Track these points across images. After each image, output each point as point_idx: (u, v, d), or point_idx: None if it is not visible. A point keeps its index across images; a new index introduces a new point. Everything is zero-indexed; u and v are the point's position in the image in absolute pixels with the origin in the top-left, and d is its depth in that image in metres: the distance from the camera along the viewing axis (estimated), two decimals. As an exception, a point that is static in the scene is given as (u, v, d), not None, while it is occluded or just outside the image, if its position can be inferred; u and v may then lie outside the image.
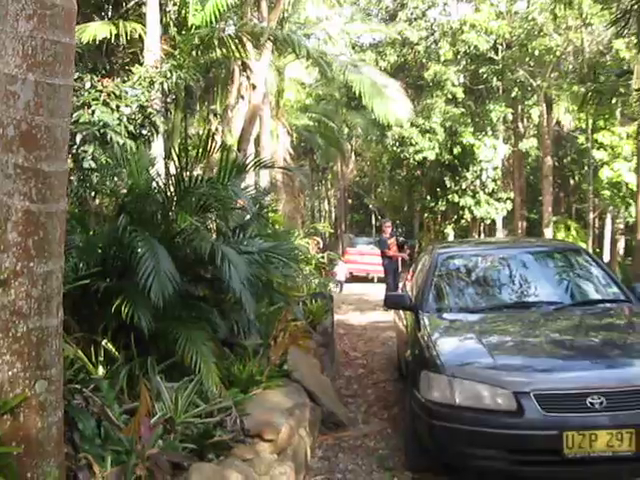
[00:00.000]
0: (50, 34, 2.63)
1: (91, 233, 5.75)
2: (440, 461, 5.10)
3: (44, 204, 2.71)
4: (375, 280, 24.09)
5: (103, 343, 4.99)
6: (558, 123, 29.42)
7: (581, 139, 28.38)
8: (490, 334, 5.61)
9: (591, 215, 25.72)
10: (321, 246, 19.09)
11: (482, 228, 34.36)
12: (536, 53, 24.92)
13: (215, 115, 17.72)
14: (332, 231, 35.19)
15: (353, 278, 24.85)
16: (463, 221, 32.15)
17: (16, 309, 2.74)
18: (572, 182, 35.33)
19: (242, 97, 15.66)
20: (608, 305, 6.28)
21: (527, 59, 26.42)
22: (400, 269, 16.42)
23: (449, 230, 32.35)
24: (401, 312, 7.59)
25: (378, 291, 18.35)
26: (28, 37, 2.61)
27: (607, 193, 24.70)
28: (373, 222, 46.40)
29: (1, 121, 2.66)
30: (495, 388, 4.59)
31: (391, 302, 7.03)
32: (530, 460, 4.53)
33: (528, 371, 4.89)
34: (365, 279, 24.63)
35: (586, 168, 27.23)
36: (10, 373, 2.76)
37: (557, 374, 4.78)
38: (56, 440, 2.90)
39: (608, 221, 28.66)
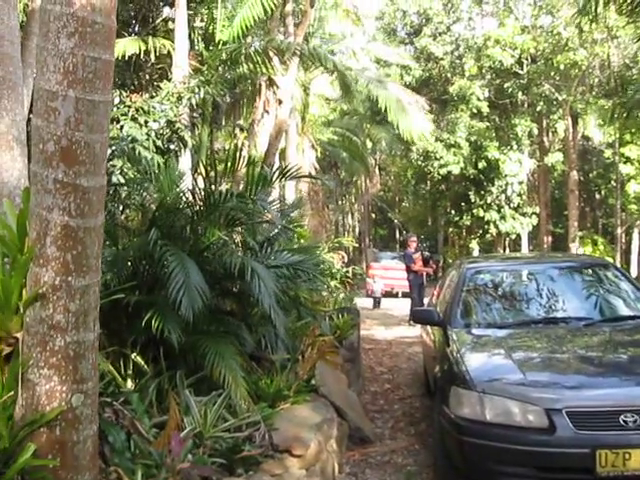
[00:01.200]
0: (91, 51, 2.66)
1: (120, 247, 5.79)
2: (470, 478, 5.04)
3: (83, 219, 2.74)
4: (400, 295, 23.98)
5: (132, 357, 5.00)
6: (584, 137, 29.19)
7: (607, 153, 28.16)
8: (520, 350, 5.55)
9: (619, 230, 25.43)
10: (346, 260, 19.06)
11: (507, 243, 34.14)
12: (561, 67, 24.79)
13: (241, 130, 17.82)
14: (356, 245, 35.12)
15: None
16: (488, 236, 31.96)
17: (54, 323, 2.76)
18: (598, 196, 35.00)
19: (267, 112, 15.72)
20: (639, 321, 6.19)
21: (552, 73, 26.30)
22: (425, 284, 16.33)
23: (474, 245, 32.21)
24: (428, 327, 7.54)
25: (403, 306, 18.28)
26: (69, 54, 2.65)
27: (634, 207, 24.45)
28: (397, 237, 46.29)
29: (41, 137, 2.70)
30: (526, 405, 4.54)
31: (419, 317, 7.01)
32: (561, 478, 4.47)
33: (559, 388, 4.81)
34: (389, 294, 24.51)
35: (612, 182, 26.99)
36: (47, 386, 2.78)
37: (589, 391, 4.72)
38: (91, 454, 2.92)
39: (635, 235, 28.31)
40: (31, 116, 5.25)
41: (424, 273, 16.12)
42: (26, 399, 2.82)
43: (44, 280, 2.75)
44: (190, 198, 6.12)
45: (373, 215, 47.54)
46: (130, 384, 4.81)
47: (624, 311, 6.53)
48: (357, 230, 46.78)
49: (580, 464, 4.33)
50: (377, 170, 41.65)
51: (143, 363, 5.03)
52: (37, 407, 2.79)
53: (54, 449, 2.81)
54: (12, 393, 2.91)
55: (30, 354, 2.80)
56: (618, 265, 18.27)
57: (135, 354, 5.04)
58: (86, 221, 2.75)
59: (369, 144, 32.82)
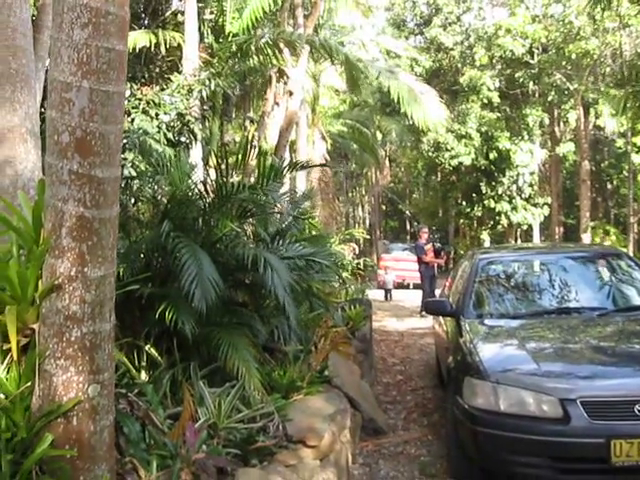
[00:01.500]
0: (104, 42, 2.66)
1: (133, 240, 5.80)
2: (484, 468, 5.04)
3: (98, 210, 2.74)
4: (411, 286, 23.97)
5: (146, 348, 5.02)
6: (596, 127, 29.02)
7: (619, 143, 27.98)
8: (533, 340, 5.54)
9: (631, 219, 25.29)
10: (357, 252, 19.06)
11: (518, 234, 34.03)
12: (573, 56, 24.63)
13: (252, 122, 17.82)
14: (367, 237, 35.10)
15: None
16: (499, 227, 31.88)
17: (70, 314, 2.77)
18: (610, 187, 34.82)
19: (277, 104, 15.71)
20: (654, 311, 6.16)
21: (564, 63, 26.13)
22: (436, 275, 16.31)
23: (485, 236, 32.12)
24: (441, 318, 7.53)
25: (414, 297, 18.27)
26: (83, 45, 2.65)
27: (646, 197, 24.32)
28: (408, 228, 46.24)
29: (56, 128, 2.70)
30: (540, 395, 4.53)
31: (431, 308, 6.99)
32: (576, 468, 4.45)
33: (574, 378, 4.79)
34: (401, 285, 24.50)
35: (624, 172, 26.82)
36: (64, 377, 2.79)
37: (604, 381, 4.71)
38: (108, 444, 2.93)
39: (648, 226, 28.19)
40: (43, 109, 5.27)
41: (435, 264, 16.11)
42: (43, 390, 2.83)
43: (60, 271, 2.75)
44: (202, 190, 6.13)
45: (383, 207, 47.49)
46: (144, 376, 4.82)
47: (638, 301, 6.51)
48: (367, 222, 46.73)
49: (595, 454, 4.32)
50: (387, 162, 41.60)
51: (157, 355, 5.04)
52: (54, 398, 2.80)
53: (71, 439, 2.82)
54: (29, 384, 2.92)
55: (46, 345, 2.81)
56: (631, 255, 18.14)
57: (149, 346, 5.05)
58: (101, 212, 2.75)
59: (379, 136, 32.77)
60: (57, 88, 2.70)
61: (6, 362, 3.12)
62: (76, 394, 2.80)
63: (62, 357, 2.78)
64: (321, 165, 13.33)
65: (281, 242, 6.56)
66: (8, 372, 3.06)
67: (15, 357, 3.00)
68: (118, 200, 2.89)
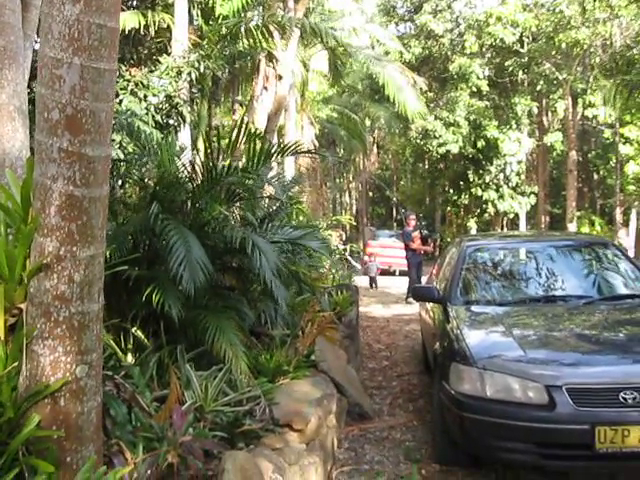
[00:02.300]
0: (96, 18, 2.61)
1: (120, 221, 5.76)
2: (469, 454, 5.08)
3: (87, 189, 2.70)
4: (397, 273, 24.02)
5: (132, 331, 5.00)
6: (584, 117, 29.10)
7: (607, 133, 28.10)
8: (520, 327, 5.56)
9: (618, 210, 25.44)
10: (343, 239, 19.07)
11: (505, 222, 34.18)
12: (563, 46, 24.64)
13: (241, 105, 17.73)
14: (354, 224, 35.13)
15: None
16: (486, 215, 32.00)
17: (58, 294, 2.73)
18: (596, 177, 34.99)
19: (266, 88, 15.61)
20: (638, 300, 6.20)
21: (553, 52, 26.15)
22: (423, 262, 16.36)
23: (472, 224, 32.24)
24: (428, 305, 7.56)
25: (400, 284, 18.33)
26: (74, 21, 2.60)
27: (632, 188, 24.44)
28: (394, 215, 46.29)
29: (46, 105, 2.66)
30: (526, 381, 4.56)
31: (419, 294, 7.00)
32: (561, 454, 4.48)
33: (560, 365, 4.82)
34: (387, 272, 24.56)
35: (611, 163, 26.94)
36: (51, 357, 2.76)
37: (589, 368, 4.75)
38: (95, 425, 2.90)
39: (633, 216, 28.32)
40: (29, 88, 5.21)
41: (422, 251, 16.15)
42: (30, 370, 2.80)
43: (48, 250, 2.72)
44: (191, 173, 6.09)
45: (370, 193, 47.47)
46: (130, 358, 4.80)
47: (623, 290, 6.57)
48: (354, 208, 46.75)
49: (579, 440, 4.36)
50: (375, 148, 41.59)
51: (143, 337, 5.03)
52: (41, 378, 2.77)
53: (58, 420, 2.79)
54: (16, 364, 2.89)
55: (34, 325, 2.78)
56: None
57: (135, 328, 5.03)
58: (91, 191, 2.71)
59: (367, 122, 32.71)
60: (47, 64, 2.65)
61: (-7, 342, 3.09)
62: (64, 375, 2.77)
63: (50, 337, 2.75)
64: (310, 152, 13.27)
65: (270, 226, 6.54)
66: (-5, 352, 3.03)
67: (2, 337, 2.96)
68: (108, 179, 2.86)
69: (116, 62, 2.78)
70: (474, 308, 6.18)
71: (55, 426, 2.79)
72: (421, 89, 19.17)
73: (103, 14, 2.63)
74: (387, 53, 25.56)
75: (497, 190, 29.72)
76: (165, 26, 12.50)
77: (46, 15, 2.64)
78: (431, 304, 7.19)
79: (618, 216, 25.86)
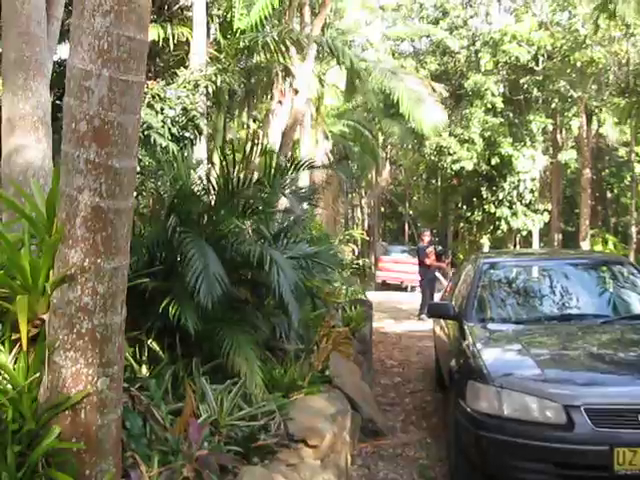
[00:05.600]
0: (126, 30, 2.63)
1: (137, 233, 5.76)
2: (485, 473, 5.02)
3: (113, 200, 2.71)
4: (409, 289, 23.95)
5: (148, 343, 4.98)
6: (598, 135, 29.02)
7: (621, 152, 28.00)
8: (537, 346, 5.52)
9: (633, 229, 25.29)
10: (356, 253, 19.06)
11: (518, 239, 34.04)
12: (578, 64, 24.61)
13: (254, 120, 17.80)
14: (366, 239, 35.06)
15: (387, 286, 24.75)
16: (499, 232, 31.87)
17: (82, 305, 2.74)
18: (610, 195, 34.84)
19: (280, 102, 15.67)
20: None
21: (568, 70, 26.13)
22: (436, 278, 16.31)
23: (484, 240, 32.11)
24: (442, 321, 7.51)
25: (412, 299, 18.26)
26: (104, 33, 2.61)
27: (647, 206, 24.33)
28: (406, 230, 46.18)
29: (74, 116, 2.67)
30: (544, 401, 4.51)
31: (435, 311, 6.97)
32: (578, 475, 4.43)
33: (578, 384, 4.77)
34: (399, 287, 24.49)
35: (625, 181, 26.83)
36: (73, 369, 2.76)
37: (608, 388, 4.69)
38: (115, 438, 2.89)
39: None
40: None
41: (436, 267, 16.10)
42: (51, 381, 2.80)
43: (73, 261, 2.72)
44: (207, 186, 6.09)
45: (382, 209, 47.40)
46: (145, 370, 4.79)
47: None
48: (366, 223, 46.66)
49: (598, 461, 4.30)
50: (388, 164, 41.56)
51: (159, 349, 5.02)
52: (62, 389, 2.77)
53: (78, 432, 2.79)
54: (37, 375, 2.89)
55: (56, 336, 2.78)
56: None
57: (151, 340, 5.02)
58: (117, 203, 2.72)
59: (380, 137, 32.69)
60: (76, 76, 2.66)
61: (15, 352, 3.09)
62: (85, 387, 2.77)
63: (72, 349, 2.75)
64: (325, 167, 13.28)
65: (285, 241, 6.53)
66: (16, 363, 3.03)
67: (24, 348, 2.96)
68: (133, 192, 2.86)
69: (144, 74, 2.79)
70: (490, 326, 6.13)
71: (75, 438, 2.78)
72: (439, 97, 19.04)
73: (132, 26, 2.64)
74: (403, 67, 25.58)
75: (510, 207, 29.60)
76: (184, 39, 12.59)
77: (76, 27, 2.66)
78: (446, 321, 7.14)
79: (634, 235, 25.69)
